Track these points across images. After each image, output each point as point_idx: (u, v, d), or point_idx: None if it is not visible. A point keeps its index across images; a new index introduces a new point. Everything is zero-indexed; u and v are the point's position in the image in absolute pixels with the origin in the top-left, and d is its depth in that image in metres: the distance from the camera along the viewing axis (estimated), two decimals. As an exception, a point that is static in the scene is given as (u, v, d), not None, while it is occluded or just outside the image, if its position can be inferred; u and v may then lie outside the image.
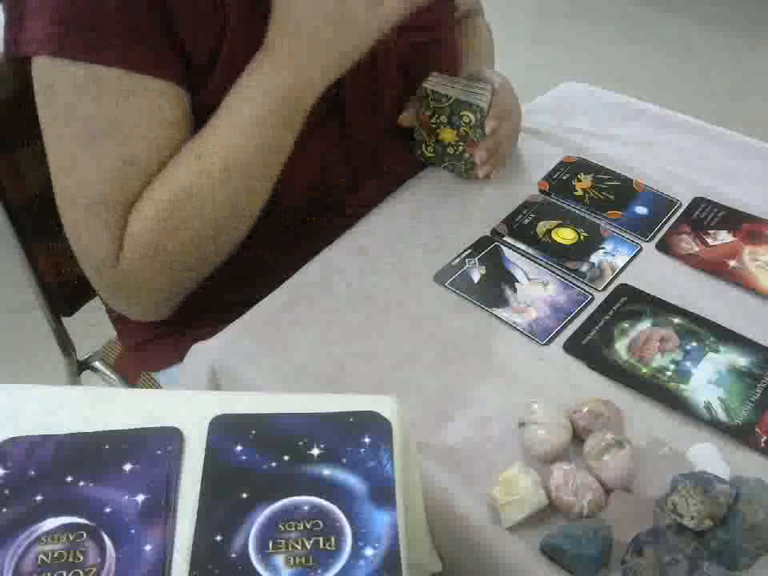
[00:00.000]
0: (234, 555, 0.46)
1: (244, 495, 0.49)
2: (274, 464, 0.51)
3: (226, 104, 0.74)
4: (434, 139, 0.91)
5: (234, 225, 0.77)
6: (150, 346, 0.97)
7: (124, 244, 0.75)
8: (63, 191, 0.75)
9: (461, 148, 0.90)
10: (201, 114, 0.77)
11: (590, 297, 0.80)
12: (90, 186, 0.74)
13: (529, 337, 0.76)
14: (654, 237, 0.87)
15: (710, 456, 0.63)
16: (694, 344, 0.74)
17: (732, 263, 0.83)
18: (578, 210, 0.91)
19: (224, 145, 0.73)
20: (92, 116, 0.72)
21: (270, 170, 0.76)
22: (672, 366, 0.72)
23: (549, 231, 0.88)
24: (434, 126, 0.89)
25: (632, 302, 0.79)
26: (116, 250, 0.75)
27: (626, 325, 0.76)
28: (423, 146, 0.93)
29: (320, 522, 0.48)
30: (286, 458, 0.51)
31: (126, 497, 0.49)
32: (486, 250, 0.85)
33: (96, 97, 0.71)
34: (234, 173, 0.73)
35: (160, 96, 0.73)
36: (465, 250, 0.85)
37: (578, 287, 0.81)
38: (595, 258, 0.84)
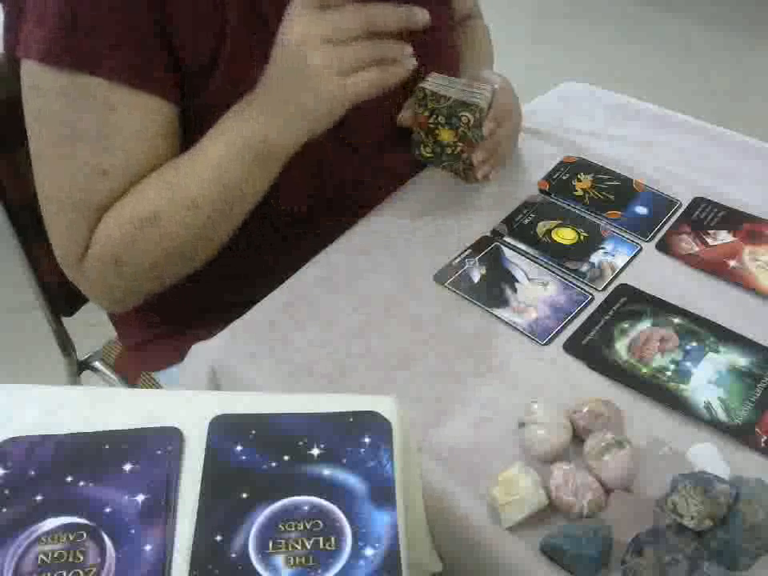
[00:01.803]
0: (234, 555, 0.46)
1: (244, 495, 0.49)
2: (273, 464, 0.51)
3: (206, 137, 0.75)
4: (433, 139, 0.91)
5: (195, 251, 0.79)
6: (150, 346, 0.97)
7: (90, 247, 0.77)
8: (40, 187, 0.77)
9: (459, 148, 0.90)
10: (202, 115, 0.77)
11: (590, 297, 0.80)
12: (63, 189, 0.75)
13: (529, 337, 0.76)
14: (654, 237, 0.87)
15: (710, 456, 0.63)
16: (694, 344, 0.74)
17: (732, 263, 0.83)
18: (578, 210, 0.91)
19: (195, 179, 0.74)
20: (72, 123, 0.73)
21: (236, 208, 0.77)
22: (672, 366, 0.72)
23: (549, 231, 0.88)
24: (433, 126, 0.89)
25: (632, 302, 0.79)
26: (80, 251, 0.77)
27: (626, 325, 0.76)
28: (422, 146, 0.93)
29: (320, 522, 0.48)
30: (285, 458, 0.51)
31: (126, 497, 0.49)
32: (486, 250, 0.85)
33: (78, 105, 0.72)
34: (201, 207, 0.75)
35: (143, 110, 0.73)
36: (465, 250, 0.85)
37: (578, 287, 0.81)
38: (595, 257, 0.84)
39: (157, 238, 0.75)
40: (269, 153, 0.74)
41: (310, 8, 0.68)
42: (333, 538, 0.47)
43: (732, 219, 0.89)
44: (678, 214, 0.90)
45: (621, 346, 0.74)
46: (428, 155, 0.93)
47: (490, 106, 0.87)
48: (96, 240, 0.77)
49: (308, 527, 0.48)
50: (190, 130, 0.79)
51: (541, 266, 0.83)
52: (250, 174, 0.75)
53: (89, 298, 0.86)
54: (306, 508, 0.49)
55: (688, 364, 0.72)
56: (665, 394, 0.70)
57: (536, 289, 0.81)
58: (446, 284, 0.81)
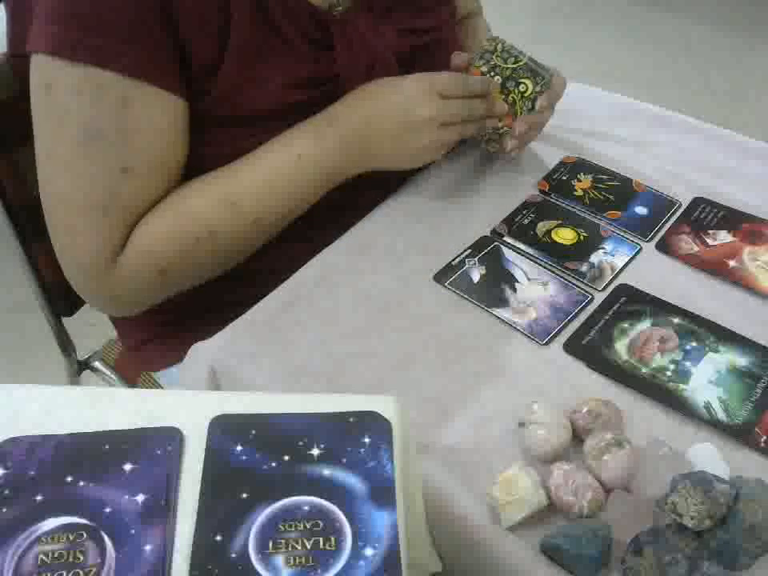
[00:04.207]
0: (234, 555, 0.46)
1: (244, 495, 0.49)
2: (273, 464, 0.51)
3: (271, 153, 0.78)
4: None
5: (241, 256, 0.83)
6: (150, 345, 0.97)
7: (127, 253, 0.76)
8: (49, 188, 0.76)
9: None
10: (212, 112, 0.77)
11: (590, 297, 0.80)
12: (85, 190, 0.74)
13: (529, 337, 0.76)
14: (653, 237, 0.87)
15: (709, 456, 0.63)
16: (694, 344, 0.74)
17: (732, 263, 0.83)
18: (578, 210, 0.91)
19: (258, 198, 0.77)
20: (89, 119, 0.72)
21: (291, 217, 0.82)
22: (672, 366, 0.72)
23: (549, 231, 0.88)
24: None
25: (632, 302, 0.79)
26: (108, 255, 0.76)
27: (626, 325, 0.76)
28: None
29: (320, 522, 0.48)
30: (286, 457, 0.51)
31: (126, 497, 0.49)
32: (485, 250, 0.85)
33: (95, 101, 0.71)
34: (261, 224, 0.79)
35: (158, 105, 0.73)
36: (465, 250, 0.85)
37: (578, 287, 0.81)
38: (595, 258, 0.84)
39: (212, 253, 0.78)
40: (339, 178, 0.81)
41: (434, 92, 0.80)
42: (333, 538, 0.47)
43: (732, 219, 0.89)
44: (678, 214, 0.90)
45: (621, 346, 0.74)
46: None
47: (549, 87, 0.86)
48: (136, 249, 0.76)
49: (308, 527, 0.48)
50: (192, 139, 0.79)
51: (541, 265, 0.83)
52: (314, 193, 0.80)
53: (99, 306, 0.85)
54: (306, 508, 0.49)
55: (688, 364, 0.72)
56: (665, 394, 0.70)
57: (536, 289, 0.81)
58: (445, 284, 0.81)
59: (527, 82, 0.84)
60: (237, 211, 0.76)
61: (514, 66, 0.84)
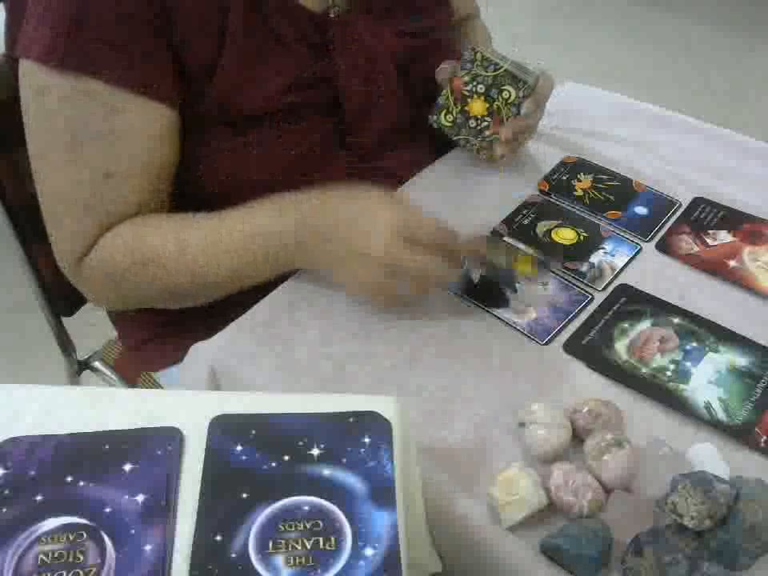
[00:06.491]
0: (234, 555, 0.46)
1: (244, 495, 0.49)
2: (273, 464, 0.51)
3: (234, 217, 0.76)
4: (460, 108, 0.87)
5: (192, 300, 0.83)
6: (150, 345, 0.97)
7: (91, 256, 0.78)
8: (41, 186, 0.78)
9: (485, 123, 0.87)
10: (211, 112, 0.77)
11: (590, 297, 0.80)
12: (66, 190, 0.76)
13: (529, 337, 0.76)
14: (653, 237, 0.87)
15: (709, 456, 0.63)
16: (694, 344, 0.74)
17: (732, 263, 0.83)
18: (578, 210, 0.91)
19: (215, 265, 0.76)
20: (77, 125, 0.73)
21: (237, 284, 0.79)
22: (672, 366, 0.72)
23: (549, 231, 0.88)
24: (467, 93, 0.86)
25: (632, 302, 0.79)
26: (78, 253, 0.78)
27: (626, 325, 0.76)
28: (443, 112, 0.88)
29: (320, 522, 0.48)
30: (286, 457, 0.51)
31: (126, 497, 0.49)
32: (485, 250, 0.85)
33: (83, 107, 0.72)
34: (205, 276, 0.77)
35: (146, 114, 0.74)
36: (465, 250, 0.85)
37: (578, 287, 0.81)
38: (595, 258, 0.84)
39: (160, 282, 0.78)
40: (287, 268, 0.79)
41: (401, 237, 0.71)
42: (333, 538, 0.47)
43: (732, 219, 0.89)
44: (678, 214, 0.90)
45: (621, 346, 0.74)
46: (447, 123, 0.89)
47: (533, 91, 0.86)
48: (98, 254, 0.78)
49: (308, 527, 0.48)
50: (190, 138, 0.79)
51: (541, 266, 0.83)
52: (257, 273, 0.78)
53: (85, 296, 0.87)
54: (306, 508, 0.49)
55: (688, 364, 0.72)
56: (665, 394, 0.70)
57: (536, 289, 0.81)
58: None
59: (509, 88, 0.84)
60: (185, 254, 0.76)
61: (494, 74, 0.84)
